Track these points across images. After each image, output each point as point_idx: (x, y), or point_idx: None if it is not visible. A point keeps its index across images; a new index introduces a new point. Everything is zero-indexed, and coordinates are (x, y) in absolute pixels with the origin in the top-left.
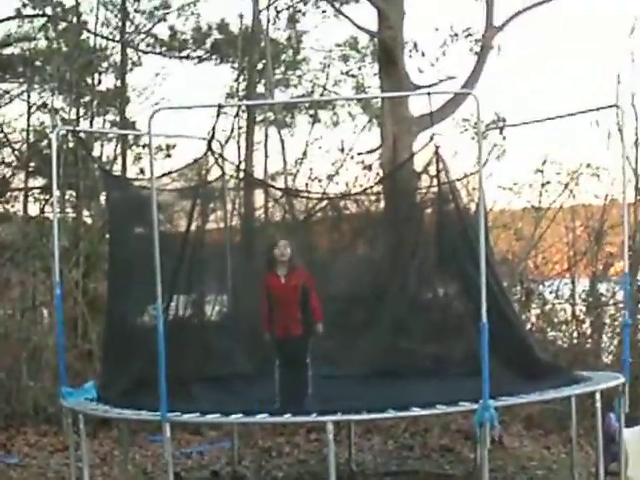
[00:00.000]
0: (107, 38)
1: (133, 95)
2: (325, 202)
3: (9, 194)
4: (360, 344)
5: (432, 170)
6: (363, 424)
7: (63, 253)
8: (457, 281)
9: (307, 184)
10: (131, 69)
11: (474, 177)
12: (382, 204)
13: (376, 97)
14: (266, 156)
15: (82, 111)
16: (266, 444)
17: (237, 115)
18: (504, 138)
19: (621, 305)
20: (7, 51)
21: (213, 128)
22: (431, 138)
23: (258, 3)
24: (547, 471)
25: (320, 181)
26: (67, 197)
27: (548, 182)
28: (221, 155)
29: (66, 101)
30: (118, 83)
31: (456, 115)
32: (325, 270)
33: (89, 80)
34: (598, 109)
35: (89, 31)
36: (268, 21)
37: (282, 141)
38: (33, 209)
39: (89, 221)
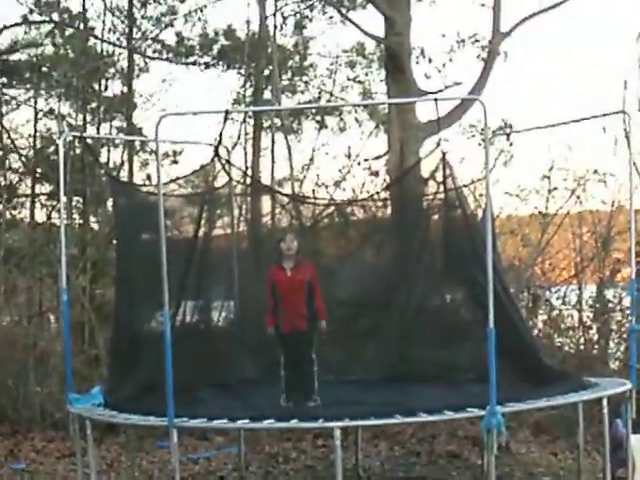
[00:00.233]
0: (114, 44)
1: (140, 101)
2: (332, 208)
3: (16, 200)
4: (367, 350)
5: (439, 176)
6: (370, 430)
7: (70, 259)
8: (464, 287)
9: (314, 190)
10: (138, 75)
11: (481, 183)
12: (389, 210)
13: (383, 103)
14: (273, 162)
15: (89, 117)
16: (273, 450)
17: (244, 121)
18: (511, 144)
19: (628, 311)
20: (14, 57)
21: (220, 134)
22: (438, 144)
23: (265, 9)
24: (554, 477)
25: (327, 187)
26: (74, 203)
27: (555, 188)
28: (228, 161)
29: (73, 107)
30: (125, 89)
31: (463, 121)
32: (332, 276)
33: (96, 86)
34: (605, 115)
35: (96, 37)
36: (275, 27)
37: (289, 147)
38: (40, 215)
39: (96, 227)
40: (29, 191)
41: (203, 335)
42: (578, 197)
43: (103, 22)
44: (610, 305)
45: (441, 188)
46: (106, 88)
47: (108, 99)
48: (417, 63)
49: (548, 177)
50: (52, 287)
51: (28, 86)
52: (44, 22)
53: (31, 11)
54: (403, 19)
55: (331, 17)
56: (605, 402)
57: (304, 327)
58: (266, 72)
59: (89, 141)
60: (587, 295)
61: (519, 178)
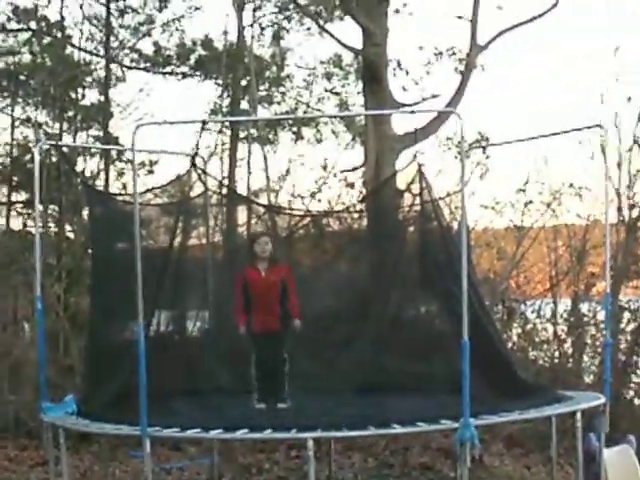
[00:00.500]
0: (91, 53)
1: (117, 110)
2: (308, 219)
3: None
4: (341, 360)
5: (415, 188)
6: (344, 441)
7: (45, 268)
8: (439, 299)
9: (290, 201)
10: (115, 84)
11: (457, 196)
12: (365, 222)
13: (359, 115)
14: (249, 172)
15: (65, 126)
16: (246, 460)
17: (220, 131)
18: (487, 157)
19: (602, 325)
20: None
21: (197, 144)
22: (414, 156)
23: (243, 20)
24: None
25: (303, 198)
26: (50, 212)
27: (531, 201)
28: (204, 171)
29: (50, 115)
30: (102, 98)
31: (439, 134)
32: (307, 287)
33: (73, 95)
34: (581, 129)
35: (73, 46)
36: (252, 38)
37: (265, 158)
38: (15, 223)
39: (71, 236)
40: (5, 199)
41: (177, 345)
42: (553, 211)
43: (81, 31)
44: (585, 319)
45: (417, 200)
46: (83, 97)
47: (85, 108)
48: (394, 75)
49: (524, 190)
50: (27, 295)
51: (5, 94)
52: (21, 30)
53: (9, 19)
54: (380, 31)
55: (308, 28)
56: (579, 416)
57: (277, 327)
58: (243, 82)
59: (65, 150)
60: (562, 309)
61: (495, 191)
